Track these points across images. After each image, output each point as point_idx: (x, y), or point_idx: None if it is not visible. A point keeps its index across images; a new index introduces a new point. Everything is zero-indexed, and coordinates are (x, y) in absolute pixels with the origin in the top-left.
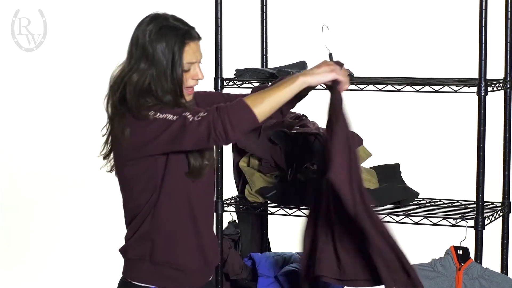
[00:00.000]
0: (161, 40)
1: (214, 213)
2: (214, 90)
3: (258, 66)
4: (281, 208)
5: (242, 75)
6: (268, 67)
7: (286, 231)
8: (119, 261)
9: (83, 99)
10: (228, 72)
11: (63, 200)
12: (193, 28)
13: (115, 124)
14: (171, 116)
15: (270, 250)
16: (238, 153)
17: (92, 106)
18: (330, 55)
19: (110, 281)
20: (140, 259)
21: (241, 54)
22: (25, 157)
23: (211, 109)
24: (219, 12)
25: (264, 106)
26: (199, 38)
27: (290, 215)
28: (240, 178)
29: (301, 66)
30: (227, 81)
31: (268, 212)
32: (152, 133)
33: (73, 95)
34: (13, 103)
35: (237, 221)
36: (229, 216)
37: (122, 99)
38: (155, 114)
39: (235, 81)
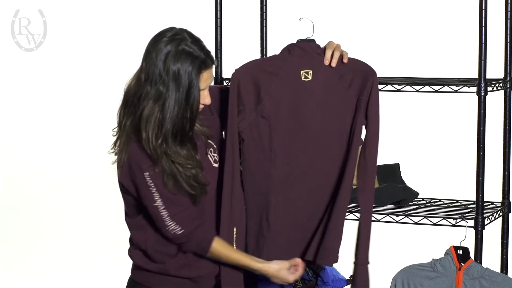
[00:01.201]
0: (177, 65)
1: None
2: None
3: None
4: None
5: None
6: None
7: None
8: (119, 261)
9: (83, 99)
10: (228, 72)
11: (63, 200)
12: (209, 53)
13: (121, 140)
14: (158, 198)
15: None
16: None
17: (92, 106)
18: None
19: (110, 281)
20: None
21: (241, 54)
22: (25, 157)
23: (188, 233)
24: (219, 12)
25: (218, 259)
26: (213, 64)
27: None
28: (240, 178)
29: None
30: (227, 81)
31: None
32: (139, 192)
33: (73, 95)
34: (13, 103)
35: None
36: None
37: (134, 120)
38: (148, 179)
39: None
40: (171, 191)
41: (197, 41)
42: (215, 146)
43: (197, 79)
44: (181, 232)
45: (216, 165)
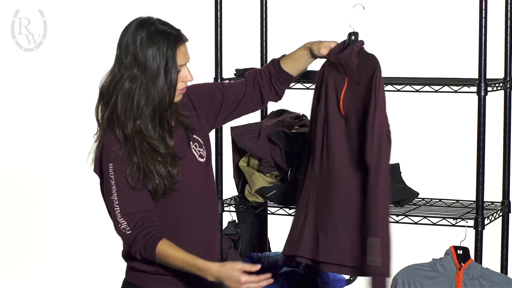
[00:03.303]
0: (152, 46)
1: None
2: (208, 82)
3: (258, 66)
4: (281, 208)
5: (242, 75)
6: None
7: (286, 231)
8: (119, 261)
9: (83, 99)
10: (228, 72)
11: (63, 200)
12: (180, 31)
13: (97, 140)
14: (115, 191)
15: (270, 250)
16: (238, 153)
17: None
18: (355, 34)
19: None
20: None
21: (241, 54)
22: (25, 157)
23: (134, 235)
24: (219, 12)
25: (163, 263)
26: (187, 40)
27: (290, 215)
28: (240, 178)
29: None
30: (227, 81)
31: (268, 212)
32: (102, 184)
33: (73, 95)
34: (13, 103)
35: (236, 221)
36: (229, 216)
37: (108, 109)
38: (110, 170)
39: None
40: (132, 184)
41: (166, 23)
42: (201, 141)
43: (173, 54)
44: (129, 233)
45: (201, 160)
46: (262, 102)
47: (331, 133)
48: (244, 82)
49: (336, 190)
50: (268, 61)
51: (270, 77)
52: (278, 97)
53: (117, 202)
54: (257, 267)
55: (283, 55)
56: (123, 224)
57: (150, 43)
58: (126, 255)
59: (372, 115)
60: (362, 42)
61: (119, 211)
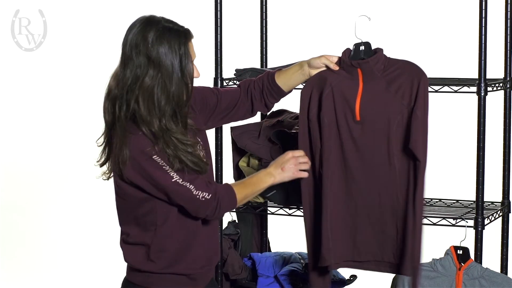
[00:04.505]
0: (164, 44)
1: None
2: (202, 86)
3: (258, 66)
4: (281, 208)
5: (242, 75)
6: (268, 67)
7: (286, 231)
8: (119, 261)
9: (83, 99)
10: (228, 72)
11: (63, 200)
12: (187, 28)
13: (116, 139)
14: (174, 173)
15: (270, 250)
16: (238, 153)
17: (92, 107)
18: (364, 44)
19: (109, 281)
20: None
21: (241, 54)
22: (24, 157)
23: (213, 193)
24: (219, 12)
25: (243, 200)
26: (193, 37)
27: (290, 215)
28: (239, 178)
29: None
30: (227, 81)
31: (268, 212)
32: (152, 178)
33: (73, 95)
34: (13, 103)
35: (237, 221)
36: (229, 216)
37: (130, 110)
38: (158, 159)
39: (235, 81)
40: (179, 169)
41: (171, 21)
42: (201, 142)
43: (187, 49)
44: (210, 196)
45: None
46: (252, 111)
47: (345, 140)
48: (238, 90)
49: (366, 192)
50: (268, 61)
51: (262, 89)
52: (266, 109)
53: (182, 180)
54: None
55: (279, 69)
56: (200, 193)
57: (161, 40)
58: (128, 256)
59: (421, 118)
60: (382, 50)
61: (189, 184)
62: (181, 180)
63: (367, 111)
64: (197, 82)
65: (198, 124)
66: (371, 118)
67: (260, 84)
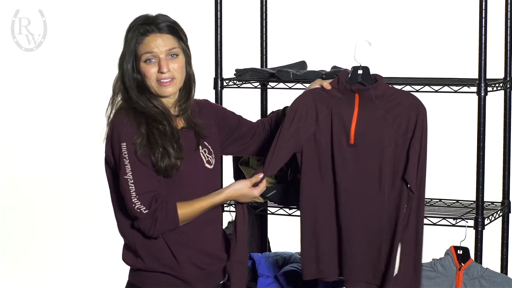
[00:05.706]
0: (126, 39)
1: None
2: (227, 108)
3: (258, 66)
4: (281, 208)
5: (242, 75)
6: (268, 67)
7: (286, 231)
8: (120, 261)
9: (83, 99)
10: (228, 72)
11: (63, 200)
12: (156, 23)
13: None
14: (129, 170)
15: (270, 250)
16: None
17: (92, 107)
18: (363, 69)
19: (109, 281)
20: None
21: (241, 54)
22: (25, 157)
23: (151, 211)
24: (219, 12)
25: (188, 219)
26: (160, 31)
27: (290, 215)
28: (240, 178)
29: (300, 66)
30: (227, 81)
31: (268, 212)
32: (116, 163)
33: (73, 95)
34: (13, 103)
35: None
36: (229, 216)
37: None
38: (124, 149)
39: (235, 81)
40: (143, 161)
41: (145, 17)
42: (211, 148)
43: (136, 44)
44: (146, 211)
45: (209, 166)
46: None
47: (338, 162)
48: (256, 122)
49: (353, 215)
50: (268, 61)
51: (276, 122)
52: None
53: (132, 181)
54: (260, 175)
55: (285, 107)
56: (137, 204)
57: (126, 34)
58: (126, 257)
59: (418, 149)
60: (383, 79)
61: (134, 189)
62: (130, 180)
63: (362, 135)
64: (198, 84)
65: (214, 143)
66: (365, 142)
67: (273, 122)
